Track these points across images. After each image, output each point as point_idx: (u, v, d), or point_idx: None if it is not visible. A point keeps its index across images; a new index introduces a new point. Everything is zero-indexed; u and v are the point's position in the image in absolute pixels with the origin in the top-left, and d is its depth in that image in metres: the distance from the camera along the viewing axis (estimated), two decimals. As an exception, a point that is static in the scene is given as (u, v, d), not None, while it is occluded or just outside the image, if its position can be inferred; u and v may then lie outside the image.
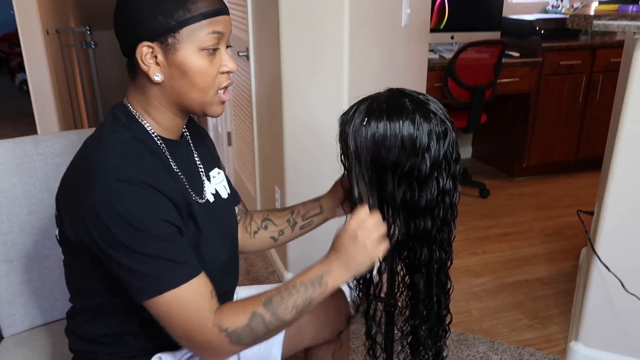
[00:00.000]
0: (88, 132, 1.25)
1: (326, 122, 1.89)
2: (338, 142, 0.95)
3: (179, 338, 0.88)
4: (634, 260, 1.58)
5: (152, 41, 0.85)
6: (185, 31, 0.85)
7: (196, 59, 0.86)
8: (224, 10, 0.88)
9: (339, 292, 1.21)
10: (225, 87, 0.92)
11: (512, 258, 2.51)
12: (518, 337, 1.97)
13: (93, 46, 3.81)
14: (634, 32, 1.41)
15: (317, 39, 1.83)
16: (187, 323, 0.85)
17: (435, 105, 0.90)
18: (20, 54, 3.74)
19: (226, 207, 1.09)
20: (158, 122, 0.93)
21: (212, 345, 0.86)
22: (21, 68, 6.12)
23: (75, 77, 4.27)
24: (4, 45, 6.96)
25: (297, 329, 1.15)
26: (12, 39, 6.42)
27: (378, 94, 0.93)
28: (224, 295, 1.08)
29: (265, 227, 1.18)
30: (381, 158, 0.89)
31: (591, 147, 3.39)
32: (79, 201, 0.83)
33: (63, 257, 0.98)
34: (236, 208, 1.17)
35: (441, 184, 0.90)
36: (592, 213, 2.07)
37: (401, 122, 0.87)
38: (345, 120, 0.92)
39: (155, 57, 0.86)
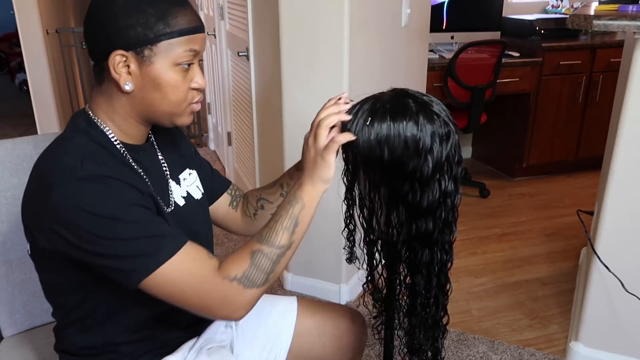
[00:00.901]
0: (88, 132, 1.26)
1: (326, 122, 1.89)
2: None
3: (194, 308, 0.86)
4: (634, 260, 1.58)
5: (127, 50, 0.83)
6: (163, 45, 0.84)
7: (170, 74, 0.86)
8: (201, 28, 0.88)
9: (359, 319, 1.19)
10: (197, 101, 0.93)
11: (512, 258, 2.51)
12: (518, 337, 1.97)
13: (93, 46, 3.81)
14: (634, 32, 1.41)
15: (317, 38, 1.83)
16: (197, 288, 0.84)
17: (438, 107, 0.90)
18: (20, 54, 3.74)
19: (199, 207, 1.07)
20: (121, 129, 0.91)
21: (230, 299, 0.85)
22: (21, 68, 6.12)
23: (75, 77, 4.27)
24: (4, 45, 6.97)
25: (311, 345, 1.15)
26: (12, 39, 6.43)
27: (381, 94, 0.93)
28: None
29: (262, 207, 1.16)
30: (384, 158, 0.88)
31: (591, 147, 3.38)
32: (42, 209, 0.82)
33: (37, 273, 0.97)
34: (227, 195, 1.17)
35: (443, 186, 0.89)
36: (592, 213, 2.07)
37: (405, 122, 0.87)
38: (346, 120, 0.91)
39: (128, 66, 0.85)
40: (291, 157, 2.01)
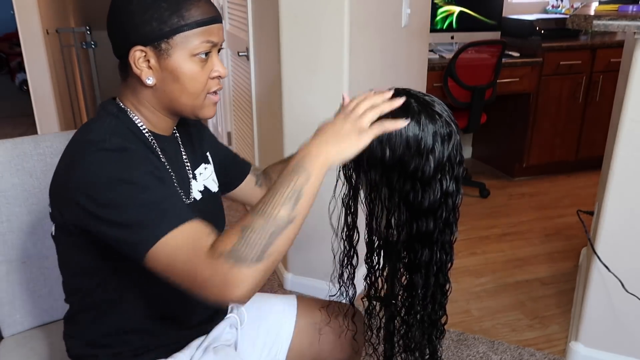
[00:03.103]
0: (88, 132, 1.26)
1: (326, 122, 1.89)
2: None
3: (186, 284, 0.80)
4: (634, 260, 1.58)
5: (145, 45, 0.87)
6: (179, 38, 0.86)
7: (188, 65, 0.88)
8: (217, 19, 0.90)
9: (359, 318, 1.19)
10: (215, 91, 0.94)
11: (512, 258, 2.51)
12: (518, 337, 1.97)
13: (93, 46, 3.82)
14: (634, 32, 1.41)
15: (317, 39, 1.83)
16: (187, 264, 0.78)
17: (440, 107, 0.90)
18: (20, 54, 3.74)
19: (215, 201, 1.10)
20: (148, 120, 0.95)
21: (219, 276, 0.76)
22: (21, 68, 6.12)
23: (75, 77, 4.27)
24: (4, 45, 6.96)
25: (310, 343, 1.16)
26: (12, 39, 6.42)
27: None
28: None
29: None
30: (385, 158, 0.88)
31: (591, 147, 3.38)
32: (68, 181, 0.85)
33: (58, 257, 0.99)
34: (251, 176, 1.20)
35: (444, 186, 0.90)
36: (592, 213, 2.07)
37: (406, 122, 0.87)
38: None
39: (148, 61, 0.88)
40: (291, 157, 2.01)
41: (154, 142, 0.95)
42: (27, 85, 3.83)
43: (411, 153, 0.87)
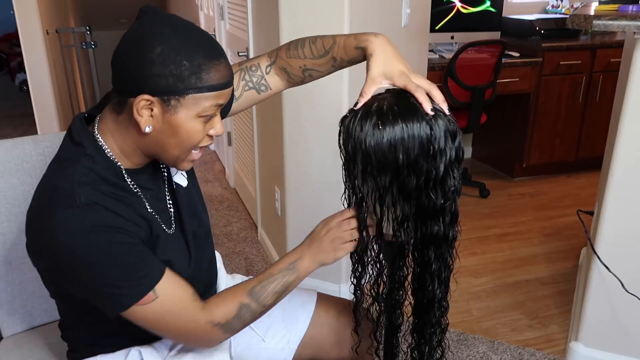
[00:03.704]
0: (88, 132, 1.25)
1: (326, 122, 1.89)
2: (341, 148, 0.92)
3: (172, 339, 0.95)
4: (634, 260, 1.58)
5: (153, 96, 0.83)
6: (191, 99, 0.84)
7: (192, 124, 0.87)
8: (230, 83, 0.89)
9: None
10: (203, 147, 0.93)
11: (512, 258, 2.51)
12: (518, 337, 1.97)
13: (93, 46, 3.82)
14: (634, 32, 1.41)
15: (317, 39, 1.83)
16: (180, 327, 0.92)
17: (437, 104, 0.90)
18: (20, 54, 3.74)
19: (189, 194, 1.06)
20: (126, 156, 0.92)
21: (208, 338, 0.95)
22: (21, 68, 6.12)
23: (75, 77, 4.27)
24: (4, 45, 6.96)
25: (324, 337, 1.18)
26: (12, 39, 6.42)
27: (382, 95, 0.91)
28: (207, 288, 1.10)
29: (311, 76, 1.11)
30: (398, 162, 0.86)
31: (591, 147, 3.38)
32: (38, 233, 0.86)
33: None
34: (253, 91, 1.10)
35: (454, 183, 0.89)
36: (592, 213, 2.07)
37: (417, 123, 0.85)
38: (353, 124, 0.88)
39: (152, 109, 0.85)
40: (291, 157, 2.01)
41: (131, 182, 0.92)
42: (27, 85, 3.84)
43: (425, 153, 0.85)
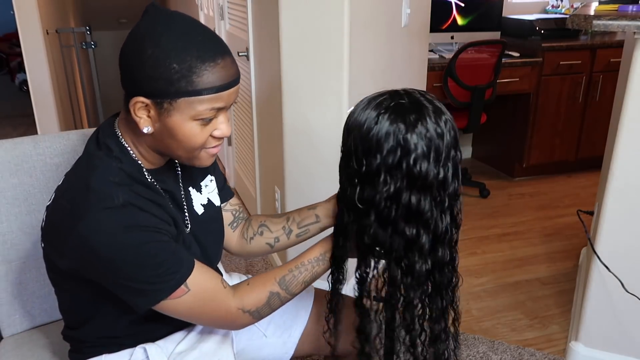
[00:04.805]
0: (88, 132, 1.26)
1: (326, 122, 1.89)
2: (360, 159, 0.87)
3: (204, 325, 0.99)
4: (634, 260, 1.58)
5: (147, 98, 0.83)
6: (183, 102, 0.82)
7: (187, 126, 0.85)
8: (231, 85, 0.86)
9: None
10: (215, 146, 0.91)
11: (512, 258, 2.51)
12: (518, 337, 1.97)
13: (93, 46, 3.82)
14: (634, 32, 1.41)
15: (317, 38, 1.83)
16: (213, 314, 0.93)
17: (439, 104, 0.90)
18: (20, 54, 3.74)
19: (218, 214, 1.10)
20: (144, 157, 0.93)
21: (237, 323, 0.96)
22: (21, 68, 6.12)
23: (75, 77, 4.28)
24: (4, 45, 6.97)
25: (317, 334, 1.19)
26: (12, 39, 6.43)
27: (398, 102, 0.87)
28: None
29: (261, 233, 1.16)
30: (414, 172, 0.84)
31: (591, 147, 3.38)
32: (68, 232, 0.84)
33: (53, 287, 1.01)
34: (229, 214, 1.16)
35: (458, 182, 0.89)
36: (592, 213, 2.07)
37: (436, 122, 0.85)
38: (377, 134, 0.84)
39: (148, 111, 0.84)
40: (291, 157, 2.01)
41: (154, 182, 0.93)
42: (27, 85, 3.84)
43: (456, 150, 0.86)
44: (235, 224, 1.18)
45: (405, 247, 0.88)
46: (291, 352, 1.19)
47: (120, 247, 0.82)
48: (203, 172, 1.08)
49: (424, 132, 0.84)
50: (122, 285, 0.86)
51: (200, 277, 0.90)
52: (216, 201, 1.10)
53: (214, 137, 0.89)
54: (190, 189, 1.04)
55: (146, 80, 0.81)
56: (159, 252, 0.85)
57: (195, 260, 0.91)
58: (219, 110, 0.86)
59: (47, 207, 0.92)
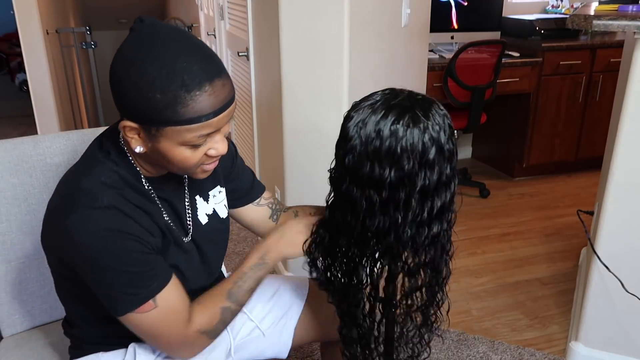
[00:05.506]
0: (88, 132, 1.26)
1: (326, 122, 1.89)
2: (366, 169, 0.84)
3: (158, 348, 0.97)
4: (634, 260, 1.58)
5: (134, 122, 0.82)
6: (169, 131, 0.80)
7: (177, 151, 0.83)
8: (220, 111, 0.82)
9: None
10: (211, 162, 0.91)
11: (512, 258, 2.51)
12: (518, 337, 1.97)
13: (93, 46, 3.82)
14: (634, 32, 1.41)
15: (317, 38, 1.83)
16: (172, 338, 0.92)
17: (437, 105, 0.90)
18: (20, 54, 3.74)
19: (222, 225, 1.10)
20: (145, 168, 0.93)
21: (194, 347, 0.96)
22: (21, 68, 6.12)
23: (75, 77, 4.28)
24: (4, 45, 6.97)
25: (316, 319, 1.20)
26: (12, 39, 6.43)
27: (400, 102, 0.85)
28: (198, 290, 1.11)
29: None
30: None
31: (591, 147, 3.38)
32: (57, 229, 0.86)
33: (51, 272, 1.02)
34: (267, 208, 1.20)
35: (455, 184, 0.88)
36: (592, 213, 2.07)
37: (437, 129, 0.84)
38: (389, 139, 0.82)
39: (138, 133, 0.84)
40: (291, 157, 2.01)
41: (151, 190, 0.93)
42: (27, 85, 3.84)
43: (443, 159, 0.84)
44: (275, 217, 1.20)
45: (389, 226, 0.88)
46: (289, 342, 1.19)
47: (99, 248, 0.83)
48: (213, 182, 1.08)
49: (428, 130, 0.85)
50: (95, 288, 0.88)
51: (170, 295, 0.90)
52: (222, 213, 1.09)
53: (208, 156, 0.88)
54: (197, 197, 1.04)
55: (132, 109, 0.80)
56: (135, 262, 0.86)
57: (171, 277, 0.91)
58: (208, 136, 0.84)
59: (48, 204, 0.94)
